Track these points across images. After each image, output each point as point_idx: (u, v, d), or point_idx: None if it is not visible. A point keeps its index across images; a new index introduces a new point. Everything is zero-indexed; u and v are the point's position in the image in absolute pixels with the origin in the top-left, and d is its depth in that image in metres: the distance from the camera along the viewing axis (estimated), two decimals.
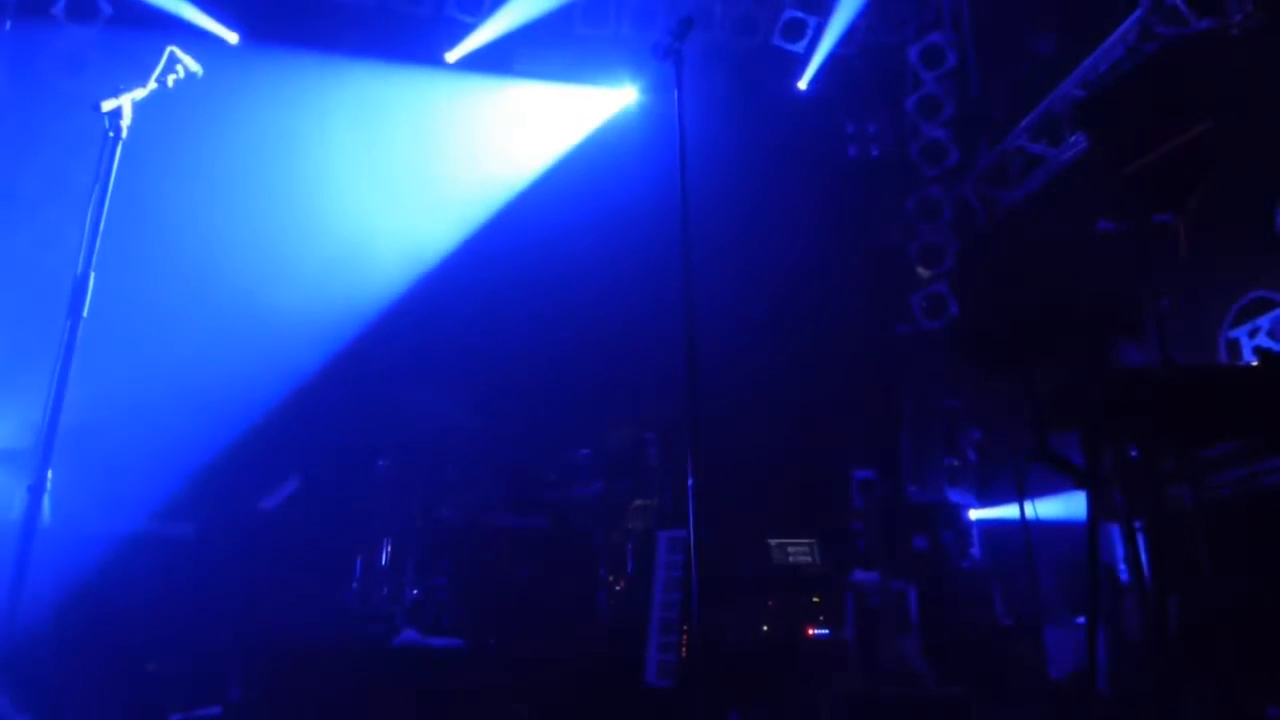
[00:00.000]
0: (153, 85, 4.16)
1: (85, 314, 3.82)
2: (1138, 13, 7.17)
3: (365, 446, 7.18)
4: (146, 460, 6.53)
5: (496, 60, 9.28)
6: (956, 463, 8.70)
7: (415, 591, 6.67)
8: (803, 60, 9.56)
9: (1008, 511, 7.81)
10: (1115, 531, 4.34)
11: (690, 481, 3.79)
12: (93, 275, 3.85)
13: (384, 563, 6.81)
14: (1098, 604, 3.90)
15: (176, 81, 4.21)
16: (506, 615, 6.13)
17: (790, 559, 7.06)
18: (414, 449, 7.18)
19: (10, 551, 3.49)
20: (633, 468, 7.13)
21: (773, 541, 7.19)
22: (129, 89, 4.03)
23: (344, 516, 6.97)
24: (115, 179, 3.92)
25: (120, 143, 3.93)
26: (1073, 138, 8.09)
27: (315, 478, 7.00)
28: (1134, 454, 3.82)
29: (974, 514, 8.37)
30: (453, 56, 9.25)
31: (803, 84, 9.54)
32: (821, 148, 9.68)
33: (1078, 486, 4.00)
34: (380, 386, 8.00)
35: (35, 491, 3.61)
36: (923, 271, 9.44)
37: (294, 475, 6.84)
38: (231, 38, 8.60)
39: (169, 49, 4.14)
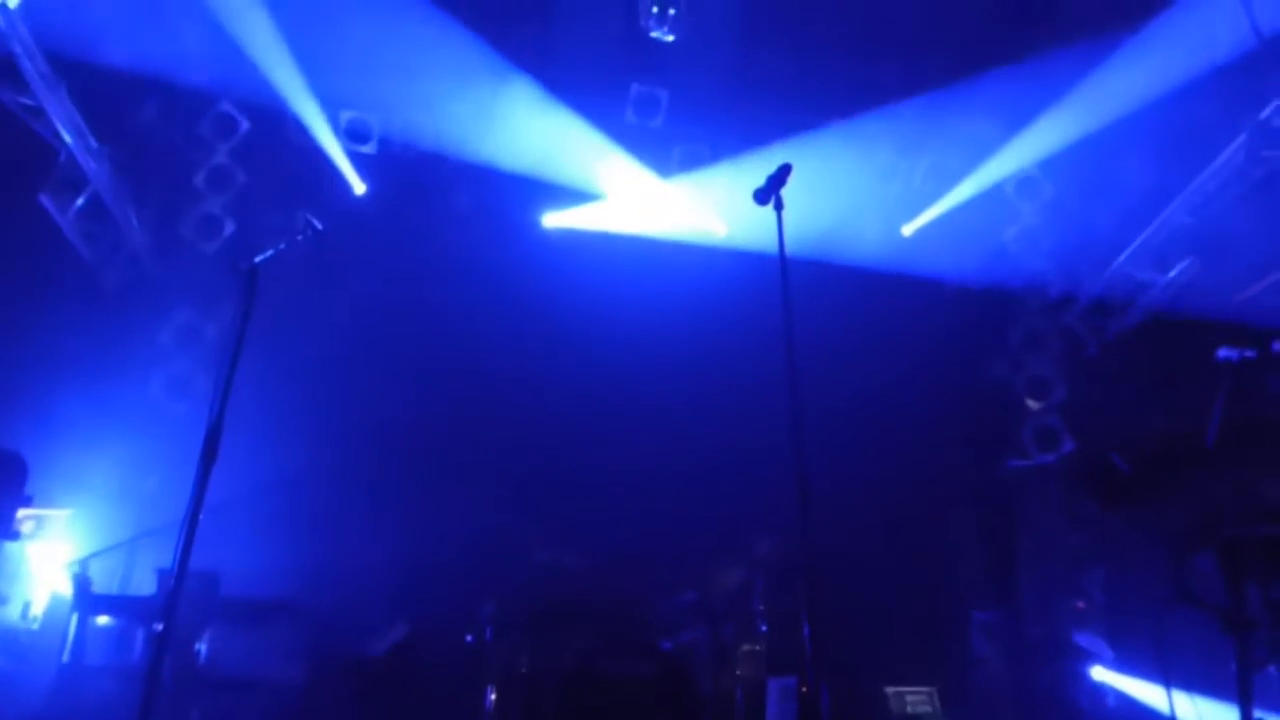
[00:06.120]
0: (283, 245, 4.44)
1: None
2: (1242, 137, 7.08)
3: (471, 588, 7.18)
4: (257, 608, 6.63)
5: None
6: (1082, 604, 8.24)
7: None
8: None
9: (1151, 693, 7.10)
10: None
11: (806, 628, 3.67)
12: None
13: (489, 709, 6.69)
14: None
15: (305, 240, 4.49)
16: None
17: (909, 709, 6.72)
18: (519, 591, 7.14)
19: (135, 699, 3.55)
20: (740, 611, 6.94)
21: (890, 690, 6.87)
22: (262, 250, 4.31)
23: (449, 662, 6.93)
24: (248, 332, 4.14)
25: (255, 298, 4.17)
26: (1182, 263, 7.94)
27: (421, 624, 7.01)
28: None
29: (1104, 674, 7.69)
30: (551, 221, 9.46)
31: (908, 230, 9.59)
32: (921, 279, 9.62)
33: (1223, 630, 3.74)
34: (484, 526, 8.04)
35: (160, 637, 3.70)
36: (1032, 403, 9.22)
37: (400, 622, 6.87)
38: (359, 187, 9.02)
39: (301, 213, 4.45)
